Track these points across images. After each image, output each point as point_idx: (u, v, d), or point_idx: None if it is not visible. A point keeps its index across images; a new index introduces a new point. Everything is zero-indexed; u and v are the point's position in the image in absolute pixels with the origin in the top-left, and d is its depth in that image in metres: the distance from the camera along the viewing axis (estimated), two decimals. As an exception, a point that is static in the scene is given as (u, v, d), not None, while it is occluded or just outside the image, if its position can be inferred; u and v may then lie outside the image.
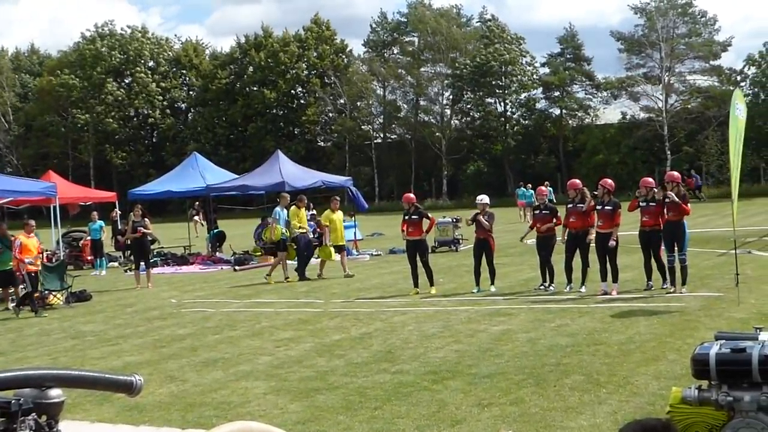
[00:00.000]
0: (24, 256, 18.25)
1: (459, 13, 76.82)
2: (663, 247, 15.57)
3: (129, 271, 25.50)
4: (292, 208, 22.67)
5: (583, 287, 16.13)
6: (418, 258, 17.69)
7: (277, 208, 23.15)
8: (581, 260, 16.16)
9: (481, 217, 17.06)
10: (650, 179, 16.34)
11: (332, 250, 22.03)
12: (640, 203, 15.83)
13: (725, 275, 16.58)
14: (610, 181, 16.39)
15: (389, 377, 10.01)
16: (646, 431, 2.55)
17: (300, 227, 22.27)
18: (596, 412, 8.02)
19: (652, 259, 15.80)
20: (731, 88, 62.76)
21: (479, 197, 17.78)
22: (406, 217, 17.98)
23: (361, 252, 28.10)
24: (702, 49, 63.61)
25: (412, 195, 18.70)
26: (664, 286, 15.64)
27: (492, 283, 17.07)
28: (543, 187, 18.41)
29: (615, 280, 15.82)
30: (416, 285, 17.57)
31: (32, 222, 19.62)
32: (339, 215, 22.41)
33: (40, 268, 19.07)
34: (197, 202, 39.74)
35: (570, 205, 16.46)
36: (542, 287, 16.66)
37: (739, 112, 14.76)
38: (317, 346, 12.28)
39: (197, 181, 31.01)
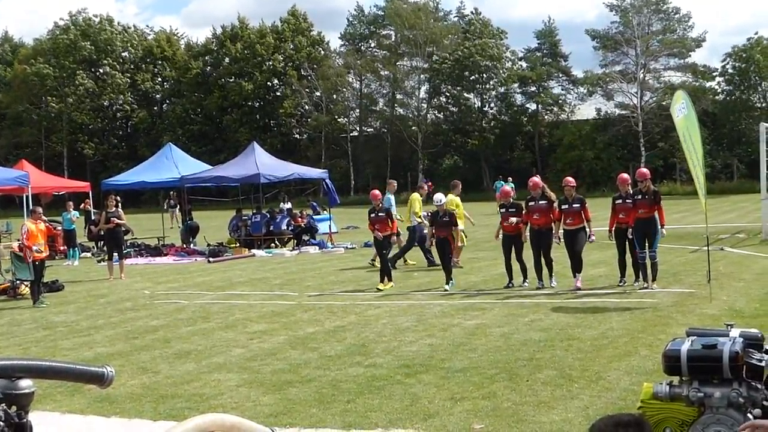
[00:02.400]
0: (31, 243, 18.02)
1: (437, 7, 76.85)
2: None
3: (102, 262, 25.35)
4: (414, 194, 21.97)
5: (554, 281, 16.17)
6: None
7: (387, 194, 22.77)
8: (544, 257, 16.16)
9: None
10: (626, 175, 16.39)
11: (463, 234, 20.33)
12: (616, 201, 15.91)
13: (698, 272, 16.71)
14: (570, 178, 16.38)
15: (362, 370, 10.01)
16: (619, 426, 2.56)
17: (418, 215, 21.49)
18: (568, 407, 8.05)
19: (627, 256, 15.89)
20: (705, 84, 63.38)
21: (436, 197, 17.61)
22: (372, 215, 17.87)
23: (335, 245, 28.10)
24: (676, 45, 64.05)
25: (377, 192, 18.37)
26: (637, 283, 15.73)
27: (447, 282, 16.80)
28: (508, 188, 18.24)
29: (579, 270, 15.85)
30: (390, 279, 17.55)
31: (39, 209, 19.54)
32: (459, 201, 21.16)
33: (45, 254, 18.89)
34: (172, 192, 39.58)
35: (532, 203, 16.41)
36: (511, 285, 16.57)
37: (680, 112, 14.83)
38: (291, 339, 12.26)
39: (171, 172, 30.86)
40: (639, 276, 15.71)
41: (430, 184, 22.37)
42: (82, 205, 33.74)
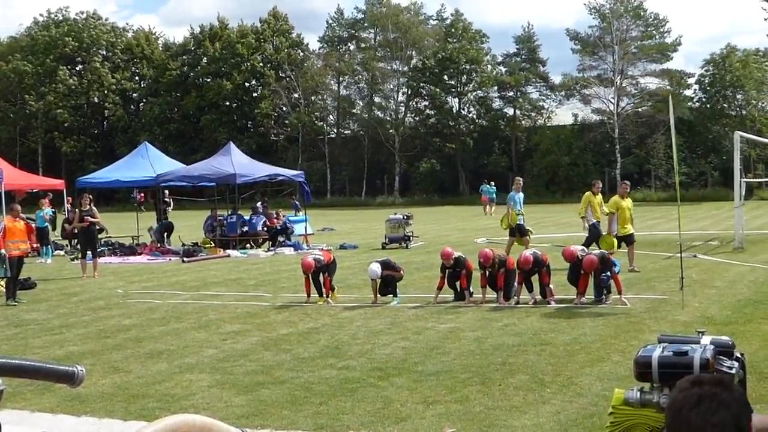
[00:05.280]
0: (9, 240, 17.86)
1: (420, 11, 76.95)
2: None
3: (75, 260, 25.20)
4: (587, 193, 21.11)
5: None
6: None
7: (512, 193, 22.55)
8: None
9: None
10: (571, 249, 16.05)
11: (615, 240, 19.35)
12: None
13: (670, 278, 16.79)
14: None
15: (335, 373, 10.00)
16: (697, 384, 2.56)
17: (582, 214, 20.86)
18: (540, 411, 8.07)
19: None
20: (681, 91, 63.88)
21: (370, 272, 15.79)
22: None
23: (311, 247, 28.05)
24: (653, 49, 64.52)
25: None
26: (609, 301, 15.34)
27: (395, 296, 15.84)
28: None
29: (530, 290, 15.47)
30: (321, 294, 16.15)
31: (18, 206, 19.40)
32: (628, 202, 20.24)
33: (28, 252, 18.74)
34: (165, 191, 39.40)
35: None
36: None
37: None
38: (264, 340, 12.23)
39: (146, 171, 30.73)
40: (603, 293, 15.31)
41: (625, 184, 21.81)
42: (67, 202, 33.53)
